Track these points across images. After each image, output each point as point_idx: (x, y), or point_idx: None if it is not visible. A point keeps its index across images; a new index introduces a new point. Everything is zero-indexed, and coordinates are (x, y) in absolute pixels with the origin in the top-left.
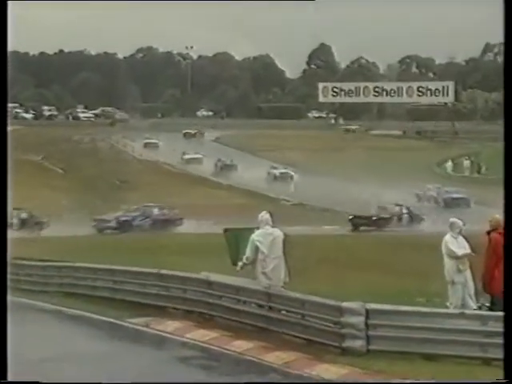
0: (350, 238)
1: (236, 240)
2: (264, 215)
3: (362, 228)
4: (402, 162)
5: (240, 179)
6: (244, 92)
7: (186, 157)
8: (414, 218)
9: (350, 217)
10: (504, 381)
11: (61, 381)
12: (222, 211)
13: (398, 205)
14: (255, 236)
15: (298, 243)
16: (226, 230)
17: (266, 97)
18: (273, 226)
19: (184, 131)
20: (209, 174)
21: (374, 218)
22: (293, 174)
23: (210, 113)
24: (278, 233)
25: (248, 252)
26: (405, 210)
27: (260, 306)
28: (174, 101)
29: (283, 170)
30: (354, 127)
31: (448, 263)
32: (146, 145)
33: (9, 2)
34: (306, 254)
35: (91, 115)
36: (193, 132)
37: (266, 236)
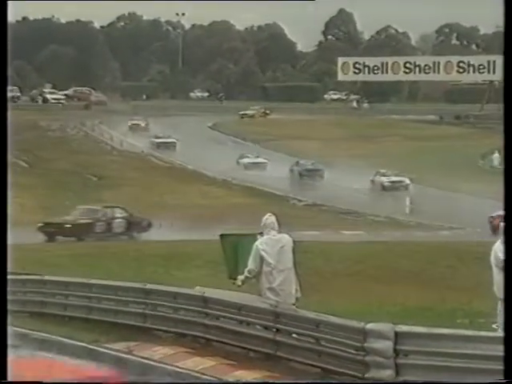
0: (377, 245)
1: (235, 248)
2: (269, 218)
3: (59, 238)
4: (438, 153)
5: (246, 176)
6: (247, 69)
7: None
8: (133, 223)
9: (40, 224)
10: (504, 381)
11: None
12: (216, 213)
13: (108, 207)
14: (259, 244)
15: (312, 252)
16: (222, 236)
17: (273, 75)
18: (280, 232)
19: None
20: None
21: (68, 226)
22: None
23: (206, 94)
24: (286, 239)
25: (251, 263)
26: (119, 214)
27: (266, 328)
28: (162, 79)
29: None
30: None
31: (498, 276)
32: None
33: (9, 2)
34: (321, 264)
35: (61, 97)
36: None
37: (273, 243)
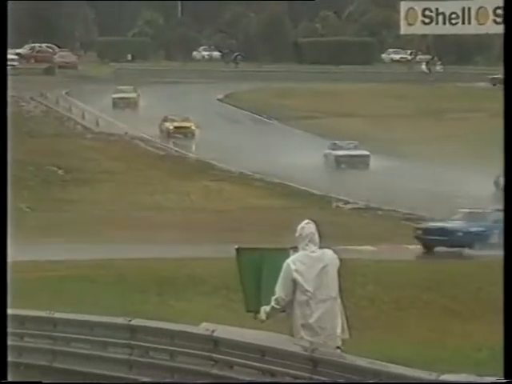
0: (454, 265)
1: (257, 269)
2: (306, 227)
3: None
4: None
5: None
6: (273, 18)
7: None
8: None
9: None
10: (504, 381)
11: None
12: (229, 221)
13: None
14: (292, 262)
15: (365, 274)
16: (239, 252)
17: (309, 26)
18: (321, 246)
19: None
20: None
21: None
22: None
23: (216, 53)
24: (330, 257)
25: (279, 290)
26: None
27: (299, 381)
28: (155, 33)
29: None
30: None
31: None
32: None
33: (9, 2)
34: (377, 291)
35: (13, 56)
36: None
37: (311, 263)
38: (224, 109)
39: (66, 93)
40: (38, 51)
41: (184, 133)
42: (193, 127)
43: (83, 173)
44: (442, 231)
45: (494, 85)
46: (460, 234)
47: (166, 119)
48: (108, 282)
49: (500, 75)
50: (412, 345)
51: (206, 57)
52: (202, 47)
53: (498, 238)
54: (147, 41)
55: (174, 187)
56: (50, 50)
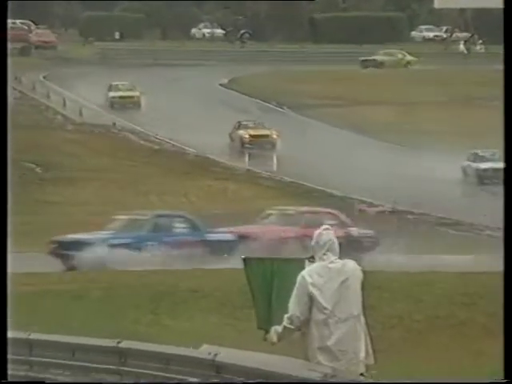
0: (494, 278)
1: (268, 282)
2: (324, 233)
3: None
4: None
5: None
6: None
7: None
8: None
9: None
10: (504, 381)
11: None
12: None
13: None
14: (308, 275)
15: (392, 289)
16: (247, 262)
17: (327, 0)
18: (341, 256)
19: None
20: None
21: None
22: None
23: (218, 31)
24: (351, 269)
25: (293, 306)
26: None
27: None
28: (148, 8)
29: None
30: None
31: None
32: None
33: (9, 2)
34: (407, 309)
35: None
36: None
37: (330, 275)
38: (228, 95)
39: (44, 77)
40: (11, 28)
41: (262, 143)
42: (274, 136)
43: (64, 170)
44: (78, 245)
45: None
46: (100, 247)
47: (239, 126)
48: (95, 297)
49: None
50: (446, 370)
51: (208, 35)
52: (202, 24)
53: (151, 249)
54: (139, 16)
55: (170, 187)
56: (25, 28)
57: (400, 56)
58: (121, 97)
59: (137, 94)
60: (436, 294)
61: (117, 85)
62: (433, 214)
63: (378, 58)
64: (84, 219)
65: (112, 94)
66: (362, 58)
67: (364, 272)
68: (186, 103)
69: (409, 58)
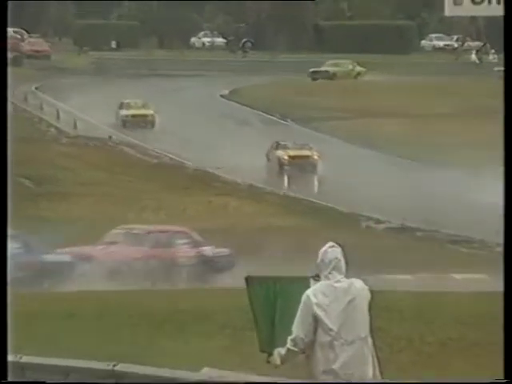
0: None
1: (271, 301)
2: (329, 251)
3: None
4: None
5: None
6: None
7: None
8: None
9: None
10: (504, 381)
11: None
12: (237, 244)
13: None
14: (312, 294)
15: (401, 309)
16: (249, 281)
17: (333, 6)
18: (348, 275)
19: None
20: None
21: None
22: None
23: (219, 39)
24: (358, 289)
25: (297, 328)
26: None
27: None
28: (144, 15)
29: None
30: None
31: None
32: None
33: (9, 2)
34: (417, 330)
35: None
36: None
37: (336, 295)
38: (229, 107)
39: (37, 88)
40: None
41: (302, 164)
42: (315, 156)
43: (58, 185)
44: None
45: None
46: None
47: (277, 146)
48: (88, 317)
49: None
50: None
51: (208, 44)
52: (202, 32)
53: None
54: (135, 25)
55: (168, 202)
56: (18, 36)
57: (350, 67)
58: (133, 115)
59: (151, 112)
60: (447, 315)
61: (128, 102)
62: (443, 231)
63: (330, 69)
64: (77, 236)
65: (124, 112)
66: (312, 70)
67: (371, 292)
68: (183, 114)
69: (359, 68)
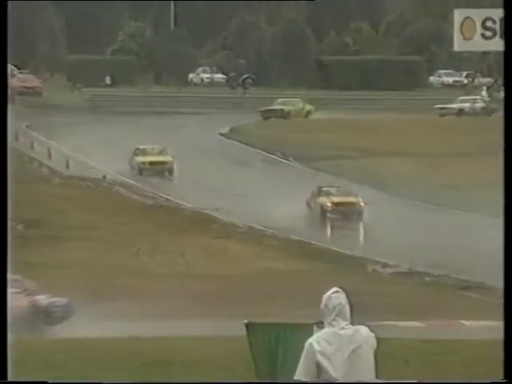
0: None
1: (272, 348)
2: (333, 297)
3: None
4: None
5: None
6: (290, 29)
7: None
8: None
9: None
10: (504, 381)
11: None
12: (237, 289)
13: None
14: (316, 342)
15: (409, 358)
16: (249, 327)
17: (337, 40)
18: (353, 322)
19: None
20: None
21: None
22: None
23: (218, 75)
24: (364, 336)
25: (300, 377)
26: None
27: None
28: (140, 49)
29: None
30: None
31: None
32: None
33: (9, 2)
34: (426, 379)
35: None
36: None
37: (340, 342)
38: (228, 146)
39: (28, 126)
40: None
41: (347, 212)
42: (361, 203)
43: (49, 228)
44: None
45: None
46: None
47: (319, 191)
48: (79, 367)
49: None
50: None
51: (206, 80)
52: (200, 68)
53: None
54: (131, 60)
55: (164, 246)
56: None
57: (301, 105)
58: (151, 162)
59: (169, 158)
60: (458, 364)
61: (144, 149)
62: (453, 276)
63: (284, 107)
64: (69, 282)
65: (140, 159)
66: (263, 109)
67: (378, 339)
68: (180, 153)
69: (309, 107)
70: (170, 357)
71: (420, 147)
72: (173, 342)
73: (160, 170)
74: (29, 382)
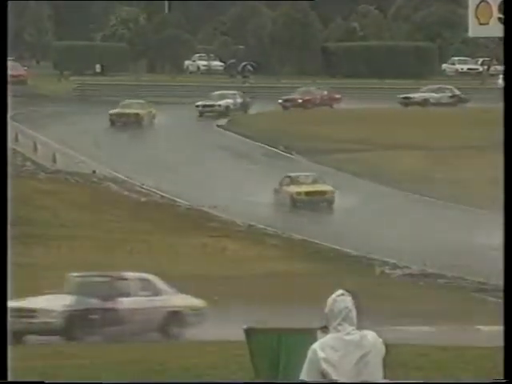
0: None
1: (274, 355)
2: (339, 300)
3: None
4: None
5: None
6: (293, 14)
7: None
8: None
9: None
10: (504, 381)
11: None
12: (237, 292)
13: None
14: (320, 349)
15: (422, 365)
16: (249, 333)
17: (344, 26)
18: (360, 327)
19: None
20: None
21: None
22: None
23: (216, 63)
24: (371, 342)
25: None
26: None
27: None
28: (132, 35)
29: None
30: None
31: None
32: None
33: (9, 2)
34: None
35: None
36: None
37: (346, 349)
38: (226, 139)
39: (11, 117)
40: None
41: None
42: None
43: (35, 226)
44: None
45: None
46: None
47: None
48: (70, 376)
49: None
50: None
51: (203, 68)
52: (197, 55)
53: None
54: (123, 46)
55: (159, 245)
56: None
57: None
58: (307, 193)
59: (330, 188)
60: (473, 372)
61: (298, 176)
62: (468, 278)
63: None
64: (57, 285)
65: (295, 189)
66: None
67: (386, 345)
68: (174, 146)
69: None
70: (166, 362)
71: (432, 140)
72: (167, 348)
73: (318, 201)
74: (29, 382)
